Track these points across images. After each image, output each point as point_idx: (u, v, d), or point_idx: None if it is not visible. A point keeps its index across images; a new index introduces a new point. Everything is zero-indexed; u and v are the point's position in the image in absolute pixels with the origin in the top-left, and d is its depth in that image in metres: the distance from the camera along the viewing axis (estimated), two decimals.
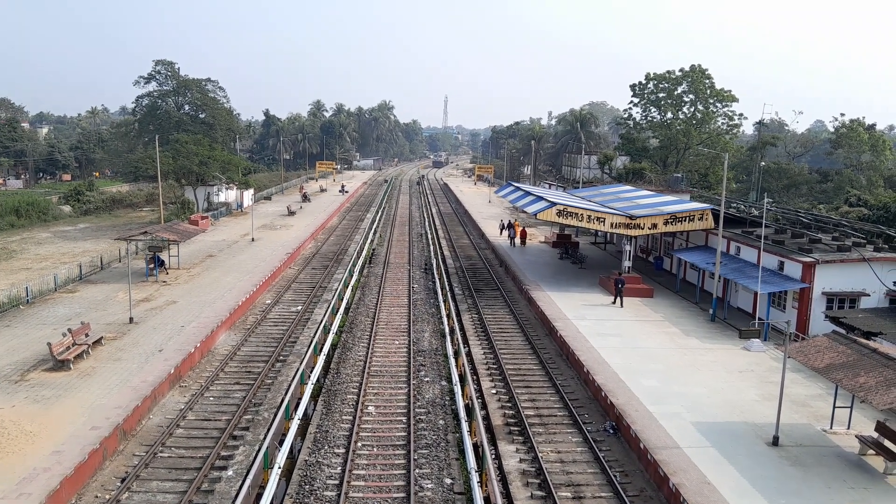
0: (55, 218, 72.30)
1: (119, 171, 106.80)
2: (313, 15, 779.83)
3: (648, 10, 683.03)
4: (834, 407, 21.49)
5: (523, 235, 56.75)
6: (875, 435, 19.74)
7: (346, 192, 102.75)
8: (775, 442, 20.20)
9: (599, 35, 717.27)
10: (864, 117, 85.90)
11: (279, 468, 18.20)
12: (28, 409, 21.21)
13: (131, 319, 30.81)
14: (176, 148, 69.93)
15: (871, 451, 19.46)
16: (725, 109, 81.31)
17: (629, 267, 40.27)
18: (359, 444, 20.83)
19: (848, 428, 21.23)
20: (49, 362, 24.84)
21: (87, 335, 26.90)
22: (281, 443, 19.81)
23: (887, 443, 19.18)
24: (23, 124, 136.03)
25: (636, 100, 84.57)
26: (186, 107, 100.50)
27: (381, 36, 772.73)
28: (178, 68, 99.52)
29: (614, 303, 36.76)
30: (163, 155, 63.99)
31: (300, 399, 23.15)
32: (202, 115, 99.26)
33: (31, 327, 29.81)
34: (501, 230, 60.86)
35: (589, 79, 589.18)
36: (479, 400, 24.44)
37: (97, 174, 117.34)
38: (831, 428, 21.37)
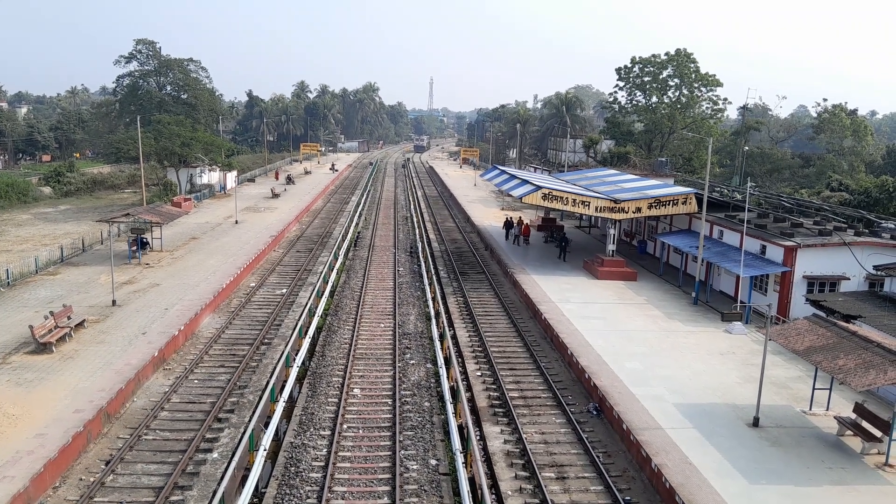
0: (35, 199, 71.33)
1: (100, 152, 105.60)
2: None
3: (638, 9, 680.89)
4: (813, 389, 21.82)
5: (526, 233, 50.08)
6: (853, 416, 20.10)
7: (336, 170, 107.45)
8: (756, 423, 20.50)
9: (584, 25, 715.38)
10: (846, 103, 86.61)
11: (265, 450, 18.22)
12: (10, 392, 21.05)
13: (114, 302, 30.56)
14: (158, 129, 68.96)
15: (848, 432, 19.81)
16: (710, 94, 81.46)
17: (613, 250, 40.48)
18: (344, 426, 20.89)
19: (827, 409, 21.58)
20: (31, 345, 24.63)
21: (69, 318, 26.67)
22: (266, 425, 19.82)
23: (865, 424, 19.54)
24: (1, 104, 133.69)
25: (622, 83, 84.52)
26: (168, 87, 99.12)
27: (365, 16, 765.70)
28: (160, 48, 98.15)
29: (562, 258, 43.08)
30: (144, 136, 63.13)
31: (285, 381, 23.16)
32: (184, 96, 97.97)
33: (12, 310, 29.49)
34: (507, 233, 50.87)
35: (575, 62, 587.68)
36: (465, 382, 24.60)
37: (78, 155, 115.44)
38: (811, 409, 21.72)
